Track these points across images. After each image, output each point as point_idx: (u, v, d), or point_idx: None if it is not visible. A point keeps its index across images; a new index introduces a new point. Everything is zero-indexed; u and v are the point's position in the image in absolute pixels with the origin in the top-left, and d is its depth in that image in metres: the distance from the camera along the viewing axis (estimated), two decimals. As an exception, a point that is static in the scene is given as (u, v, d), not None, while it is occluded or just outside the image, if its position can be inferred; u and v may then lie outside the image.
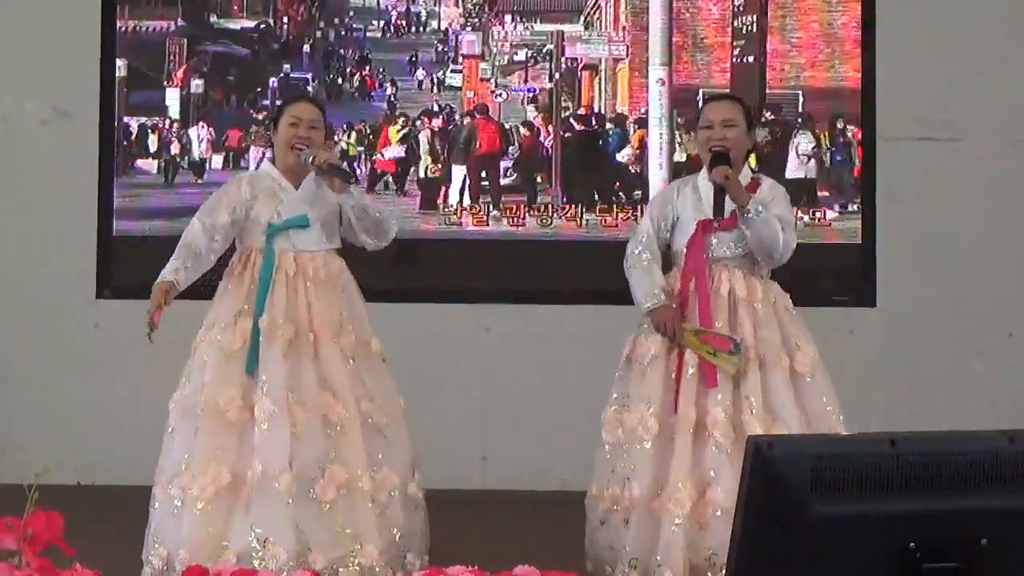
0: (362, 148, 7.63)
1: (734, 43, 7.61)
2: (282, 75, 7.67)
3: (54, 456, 7.04)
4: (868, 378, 7.37)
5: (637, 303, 5.08)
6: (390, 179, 7.63)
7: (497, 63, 7.66)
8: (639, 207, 7.42)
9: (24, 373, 7.45)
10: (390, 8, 7.71)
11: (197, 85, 7.66)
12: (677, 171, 7.25)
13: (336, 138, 7.45)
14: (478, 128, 7.62)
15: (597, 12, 7.63)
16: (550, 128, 7.62)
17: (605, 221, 7.52)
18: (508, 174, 7.61)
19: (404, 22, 7.70)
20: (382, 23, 7.71)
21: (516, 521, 5.22)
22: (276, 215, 5.11)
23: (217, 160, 7.62)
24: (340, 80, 7.68)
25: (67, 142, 7.50)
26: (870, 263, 7.46)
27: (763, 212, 4.93)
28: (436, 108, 7.65)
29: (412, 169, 7.62)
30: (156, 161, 7.61)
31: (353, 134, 7.63)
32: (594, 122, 7.62)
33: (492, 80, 7.65)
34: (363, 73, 7.67)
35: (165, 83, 7.65)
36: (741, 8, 7.61)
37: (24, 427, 7.36)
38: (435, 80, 7.67)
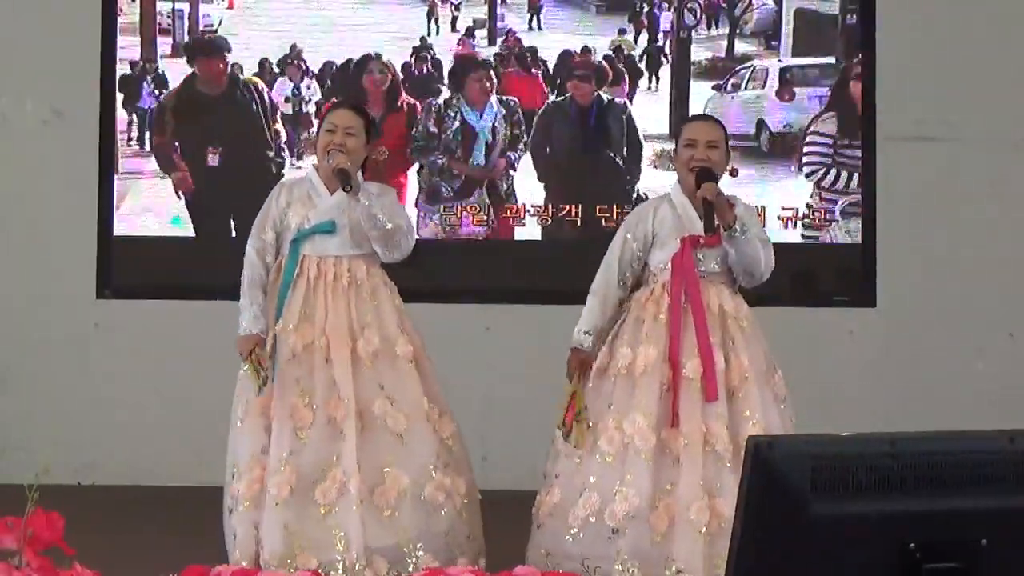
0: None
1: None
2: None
3: (54, 456, 7.04)
4: (868, 378, 7.37)
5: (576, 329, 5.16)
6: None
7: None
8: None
9: (24, 373, 7.45)
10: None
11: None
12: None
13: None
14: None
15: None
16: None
17: (605, 221, 7.52)
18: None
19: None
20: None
21: (516, 521, 5.21)
22: (306, 220, 5.18)
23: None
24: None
25: (67, 142, 7.50)
26: (870, 263, 7.45)
27: (748, 231, 4.96)
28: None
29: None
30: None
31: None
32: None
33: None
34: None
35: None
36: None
37: (24, 427, 7.35)
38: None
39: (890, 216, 7.42)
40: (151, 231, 7.51)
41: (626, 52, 7.60)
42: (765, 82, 7.61)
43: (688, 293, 5.00)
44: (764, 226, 5.19)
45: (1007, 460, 2.35)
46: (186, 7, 7.62)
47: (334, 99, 7.22)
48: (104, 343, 7.47)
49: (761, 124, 7.57)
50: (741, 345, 5.00)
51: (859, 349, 7.42)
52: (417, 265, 7.50)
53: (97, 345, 7.48)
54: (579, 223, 7.54)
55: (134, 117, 7.56)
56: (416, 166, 7.58)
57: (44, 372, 7.45)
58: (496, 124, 7.57)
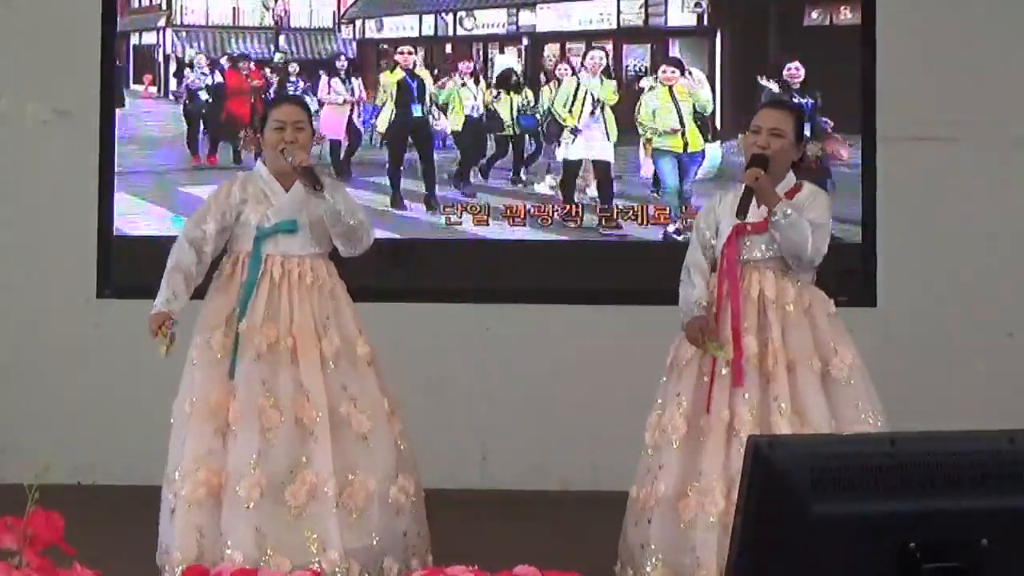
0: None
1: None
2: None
3: (54, 456, 7.03)
4: (868, 378, 7.36)
5: None
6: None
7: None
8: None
9: (24, 373, 7.45)
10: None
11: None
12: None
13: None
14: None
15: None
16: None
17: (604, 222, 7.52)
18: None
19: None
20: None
21: (516, 521, 5.22)
22: (265, 219, 5.14)
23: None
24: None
25: (67, 142, 7.50)
26: (870, 263, 7.45)
27: (791, 215, 4.96)
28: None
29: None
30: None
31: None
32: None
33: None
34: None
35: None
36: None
37: (24, 427, 7.36)
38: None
39: (890, 216, 7.42)
40: (151, 231, 7.51)
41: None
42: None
43: (728, 281, 5.05)
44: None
45: (1007, 460, 2.35)
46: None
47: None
48: (104, 343, 7.47)
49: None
50: (778, 330, 5.02)
51: (859, 349, 7.40)
52: (417, 265, 7.55)
53: (97, 345, 7.48)
54: (579, 223, 7.54)
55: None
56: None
57: (44, 372, 7.46)
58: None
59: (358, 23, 7.68)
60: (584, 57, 7.59)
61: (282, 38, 7.69)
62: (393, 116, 7.68)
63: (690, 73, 7.54)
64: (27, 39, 7.49)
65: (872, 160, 7.47)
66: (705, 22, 7.56)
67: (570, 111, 7.59)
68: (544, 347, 7.37)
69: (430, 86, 7.65)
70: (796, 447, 2.36)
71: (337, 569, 4.88)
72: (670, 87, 7.58)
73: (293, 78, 7.67)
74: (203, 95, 7.71)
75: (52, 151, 7.49)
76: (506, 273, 7.56)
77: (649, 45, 7.58)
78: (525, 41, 7.63)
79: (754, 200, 5.01)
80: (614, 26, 7.59)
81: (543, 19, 7.59)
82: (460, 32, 7.65)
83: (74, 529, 2.99)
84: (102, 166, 7.53)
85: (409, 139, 7.62)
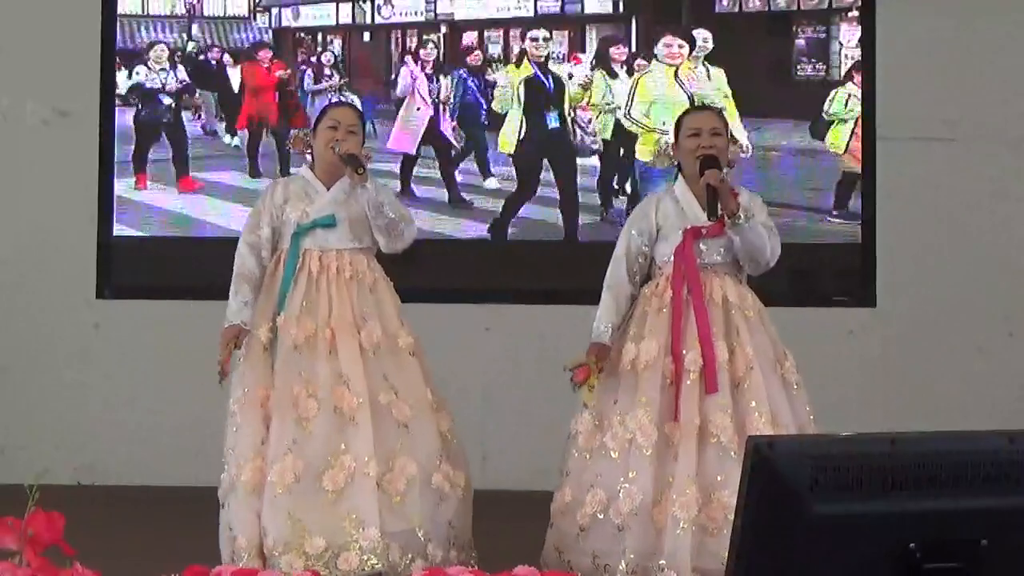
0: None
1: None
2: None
3: (54, 456, 7.04)
4: (868, 378, 7.37)
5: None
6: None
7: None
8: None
9: (24, 373, 7.45)
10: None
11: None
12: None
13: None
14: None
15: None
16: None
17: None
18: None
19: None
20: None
21: (516, 521, 5.22)
22: (304, 215, 5.20)
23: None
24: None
25: (67, 142, 7.50)
26: (870, 263, 7.45)
27: (752, 218, 4.96)
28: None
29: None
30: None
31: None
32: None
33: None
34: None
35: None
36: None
37: (24, 427, 7.36)
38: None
39: (890, 216, 7.42)
40: (151, 231, 7.51)
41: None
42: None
43: (689, 285, 5.00)
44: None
45: (1007, 460, 2.35)
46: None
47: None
48: (104, 343, 7.48)
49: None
50: (746, 335, 5.00)
51: (859, 349, 7.42)
52: (417, 265, 7.54)
53: (97, 345, 7.48)
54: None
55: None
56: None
57: (44, 372, 7.46)
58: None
59: (274, 11, 7.54)
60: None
61: (195, 27, 7.51)
62: (524, 128, 7.48)
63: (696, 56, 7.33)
64: (27, 39, 7.49)
65: (871, 160, 7.47)
66: (621, 9, 7.45)
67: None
68: (544, 347, 7.37)
69: (570, 86, 7.41)
70: (796, 447, 2.36)
71: (376, 547, 4.91)
72: (676, 69, 7.41)
73: (328, 71, 7.53)
74: (165, 99, 7.54)
75: (52, 151, 7.49)
76: (506, 273, 7.56)
77: (567, 32, 7.44)
78: (443, 29, 7.50)
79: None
80: (531, 13, 7.46)
81: (460, 7, 7.47)
82: (378, 20, 7.51)
83: (74, 529, 2.99)
84: (102, 166, 7.53)
85: (545, 161, 7.37)
